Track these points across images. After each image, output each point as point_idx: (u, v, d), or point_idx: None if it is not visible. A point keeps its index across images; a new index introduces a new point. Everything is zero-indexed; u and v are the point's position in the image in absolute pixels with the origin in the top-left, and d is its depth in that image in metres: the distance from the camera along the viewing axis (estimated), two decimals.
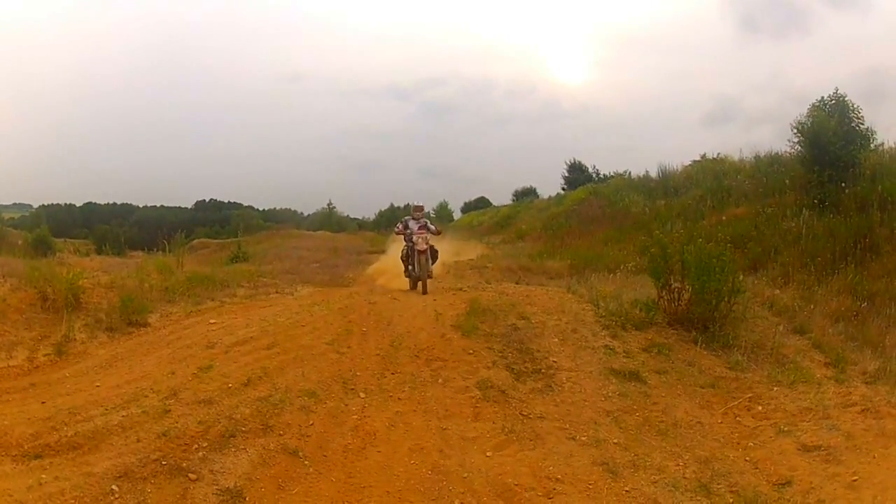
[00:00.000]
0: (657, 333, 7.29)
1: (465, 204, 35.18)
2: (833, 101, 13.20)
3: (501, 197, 37.18)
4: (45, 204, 49.44)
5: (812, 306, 8.83)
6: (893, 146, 14.10)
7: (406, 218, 10.96)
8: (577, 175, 26.89)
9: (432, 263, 10.78)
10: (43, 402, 5.23)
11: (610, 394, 5.97)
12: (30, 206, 50.50)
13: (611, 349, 6.81)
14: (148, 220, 45.04)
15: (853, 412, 5.91)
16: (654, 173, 18.71)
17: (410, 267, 10.41)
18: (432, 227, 10.70)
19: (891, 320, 8.46)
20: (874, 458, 5.16)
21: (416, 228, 10.47)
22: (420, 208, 10.94)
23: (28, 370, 6.15)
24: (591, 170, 27.61)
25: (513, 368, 6.21)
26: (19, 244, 19.26)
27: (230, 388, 5.40)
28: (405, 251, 10.61)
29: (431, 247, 10.50)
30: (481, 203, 33.07)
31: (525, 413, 5.51)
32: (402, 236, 10.73)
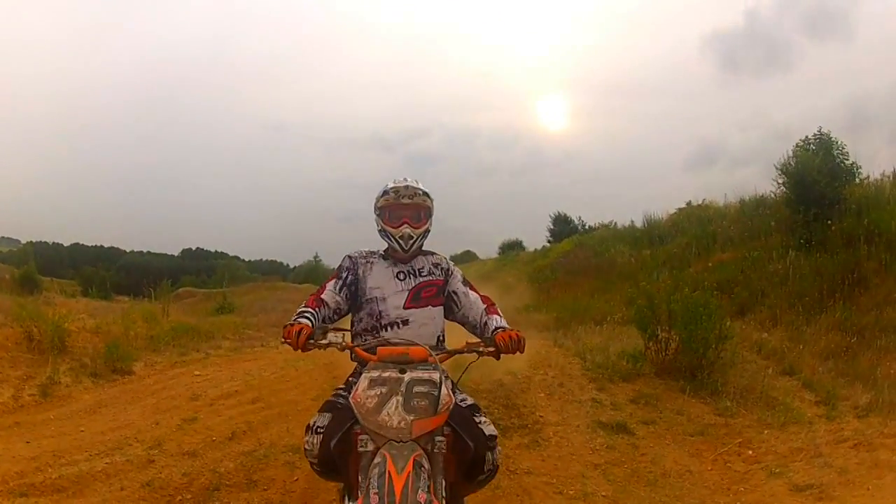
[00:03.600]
0: (645, 384, 7.27)
1: (452, 257, 35.25)
2: (817, 139, 13.50)
3: (487, 248, 37.34)
4: (33, 241, 49.70)
5: (801, 346, 8.82)
6: (879, 177, 14.33)
7: (361, 253, 3.36)
8: (562, 227, 27.05)
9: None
10: (28, 442, 5.24)
11: (597, 446, 5.91)
12: (17, 241, 50.68)
13: (598, 402, 6.77)
14: (134, 266, 45.40)
15: (846, 447, 5.82)
16: (639, 222, 18.93)
17: None
18: (463, 289, 3.33)
19: (881, 352, 8.42)
20: (868, 489, 5.06)
21: (401, 300, 3.19)
22: (417, 202, 3.23)
23: (13, 408, 6.16)
24: (576, 221, 27.80)
25: (499, 424, 6.15)
26: (6, 279, 19.32)
27: (214, 441, 5.41)
28: (323, 428, 2.85)
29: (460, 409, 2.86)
30: (467, 257, 32.97)
31: (512, 469, 5.43)
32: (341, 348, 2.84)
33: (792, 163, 13.42)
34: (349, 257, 3.33)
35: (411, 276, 3.26)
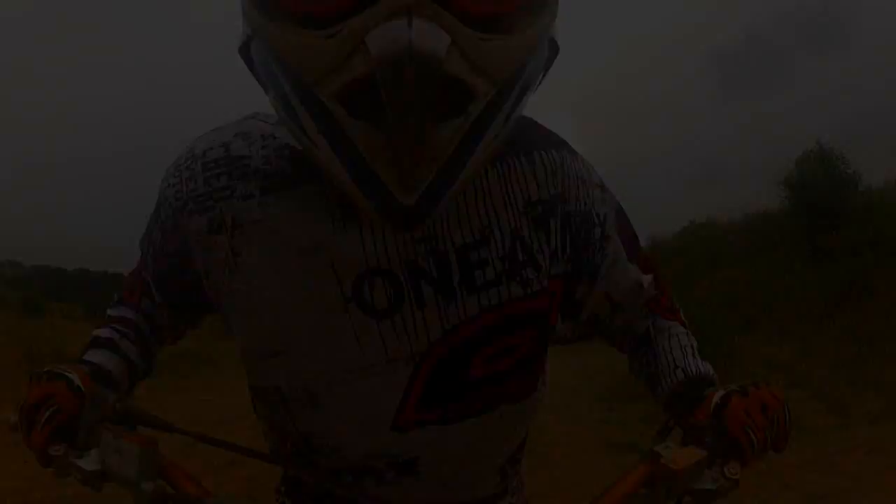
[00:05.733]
0: (653, 403, 7.19)
1: None
2: (817, 151, 13.49)
3: None
4: (37, 265, 50.24)
5: (810, 358, 8.76)
6: (883, 185, 14.21)
7: (194, 179, 0.83)
8: None
9: None
10: (26, 462, 5.18)
11: (607, 467, 5.83)
12: (21, 264, 51.19)
13: (607, 422, 6.74)
14: None
15: (859, 454, 5.80)
16: (643, 242, 18.92)
17: None
18: (636, 277, 0.95)
19: (891, 358, 8.32)
20: (884, 494, 5.03)
21: (384, 401, 0.82)
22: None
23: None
24: None
25: None
26: (9, 303, 19.44)
27: (215, 466, 5.36)
28: None
29: None
30: None
31: None
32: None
33: (795, 175, 13.45)
34: (163, 205, 0.95)
35: (432, 285, 0.82)
